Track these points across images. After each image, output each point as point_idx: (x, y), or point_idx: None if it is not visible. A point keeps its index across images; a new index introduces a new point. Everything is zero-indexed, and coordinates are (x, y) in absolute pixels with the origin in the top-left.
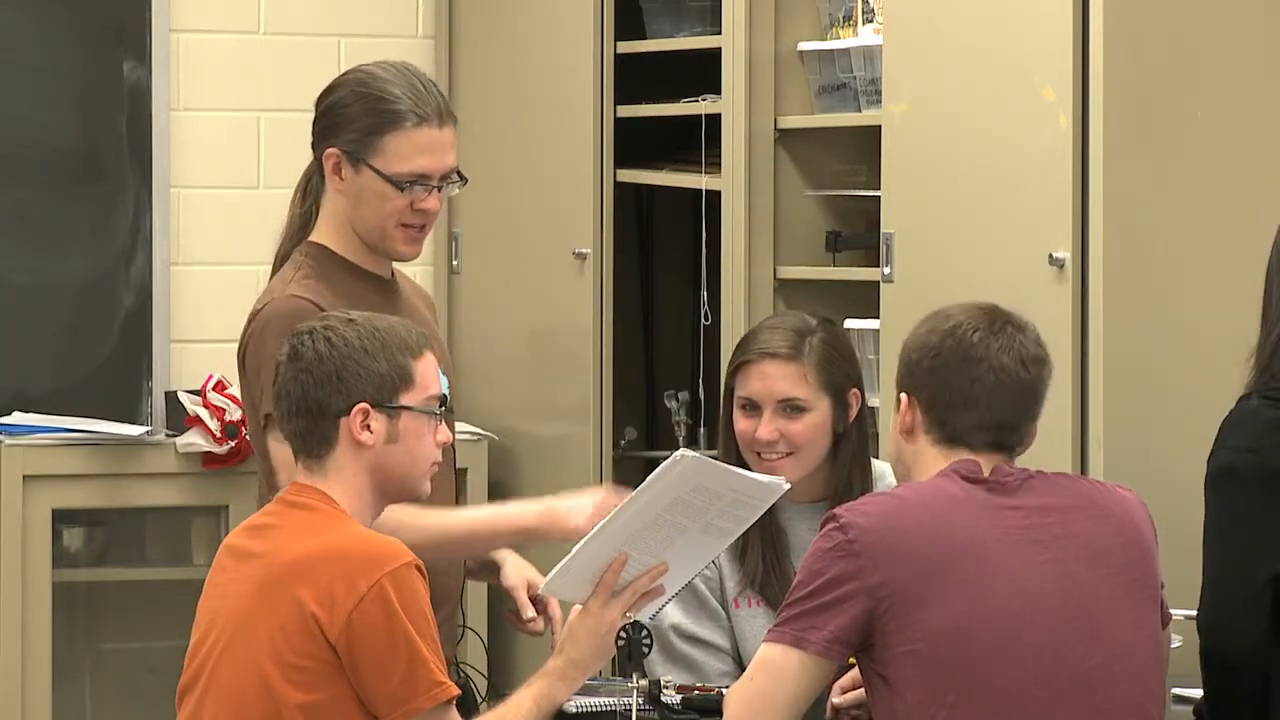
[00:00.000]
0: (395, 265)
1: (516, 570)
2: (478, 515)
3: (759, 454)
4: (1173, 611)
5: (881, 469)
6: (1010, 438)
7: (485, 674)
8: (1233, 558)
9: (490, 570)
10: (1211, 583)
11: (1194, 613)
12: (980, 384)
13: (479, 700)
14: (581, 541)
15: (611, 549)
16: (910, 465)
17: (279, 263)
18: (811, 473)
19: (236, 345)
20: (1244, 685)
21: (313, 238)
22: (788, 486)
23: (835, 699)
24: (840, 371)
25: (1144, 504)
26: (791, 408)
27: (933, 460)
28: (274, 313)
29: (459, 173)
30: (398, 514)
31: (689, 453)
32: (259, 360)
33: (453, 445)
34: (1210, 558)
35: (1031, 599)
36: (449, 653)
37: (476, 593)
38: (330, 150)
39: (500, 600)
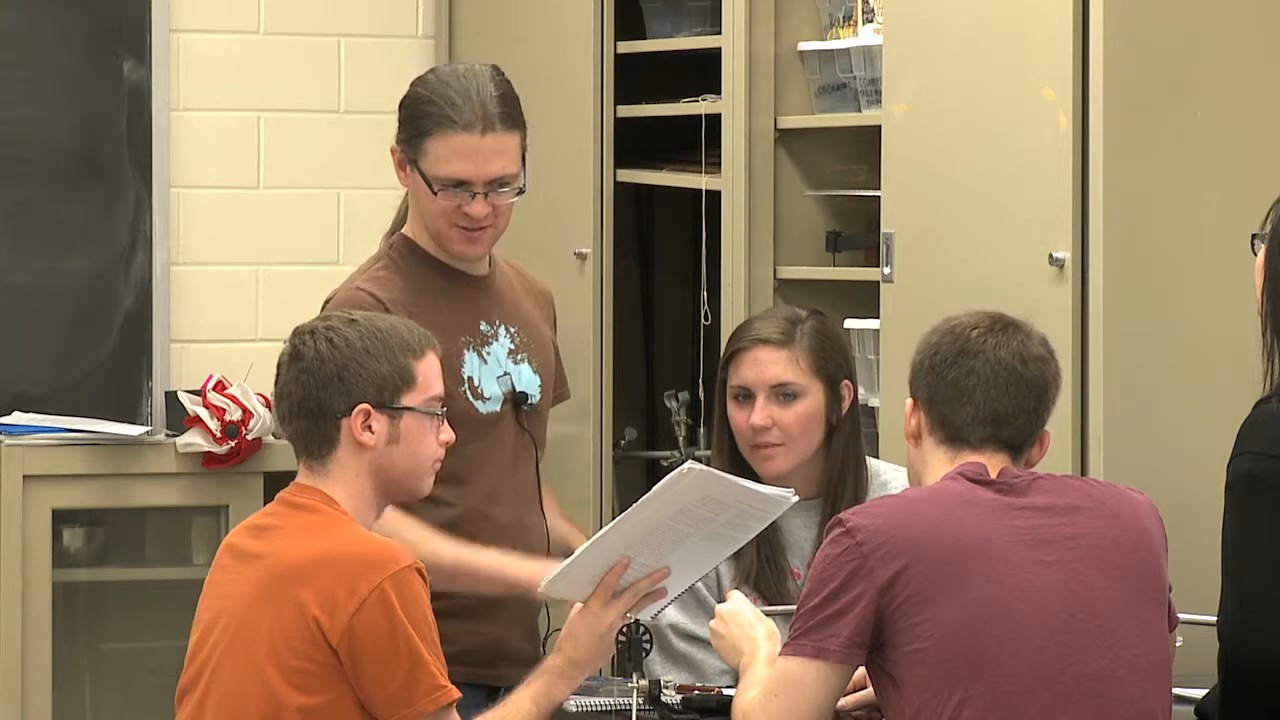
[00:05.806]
0: (505, 259)
1: None
2: (482, 557)
3: (753, 447)
4: (1179, 615)
5: (876, 466)
6: (1007, 432)
7: None
8: (1256, 563)
9: (566, 552)
10: (1233, 588)
11: (1197, 616)
12: (974, 375)
13: None
14: (583, 545)
15: (614, 553)
16: (920, 470)
17: None
18: (805, 467)
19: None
20: (1262, 692)
21: (404, 230)
22: (795, 499)
23: (839, 701)
24: (832, 360)
25: (1154, 507)
26: (784, 394)
27: (939, 463)
28: (336, 305)
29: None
30: (413, 536)
31: (695, 465)
32: None
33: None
34: (1231, 563)
35: (1039, 599)
36: (529, 620)
37: None
38: (393, 146)
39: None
